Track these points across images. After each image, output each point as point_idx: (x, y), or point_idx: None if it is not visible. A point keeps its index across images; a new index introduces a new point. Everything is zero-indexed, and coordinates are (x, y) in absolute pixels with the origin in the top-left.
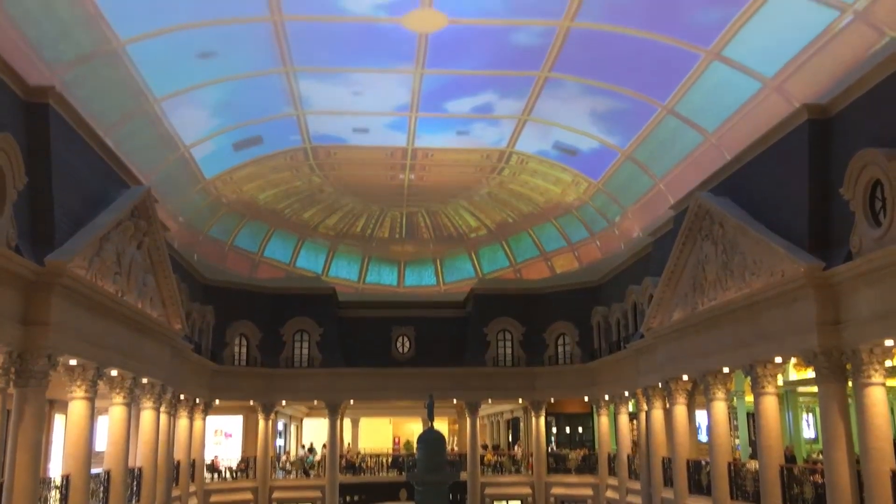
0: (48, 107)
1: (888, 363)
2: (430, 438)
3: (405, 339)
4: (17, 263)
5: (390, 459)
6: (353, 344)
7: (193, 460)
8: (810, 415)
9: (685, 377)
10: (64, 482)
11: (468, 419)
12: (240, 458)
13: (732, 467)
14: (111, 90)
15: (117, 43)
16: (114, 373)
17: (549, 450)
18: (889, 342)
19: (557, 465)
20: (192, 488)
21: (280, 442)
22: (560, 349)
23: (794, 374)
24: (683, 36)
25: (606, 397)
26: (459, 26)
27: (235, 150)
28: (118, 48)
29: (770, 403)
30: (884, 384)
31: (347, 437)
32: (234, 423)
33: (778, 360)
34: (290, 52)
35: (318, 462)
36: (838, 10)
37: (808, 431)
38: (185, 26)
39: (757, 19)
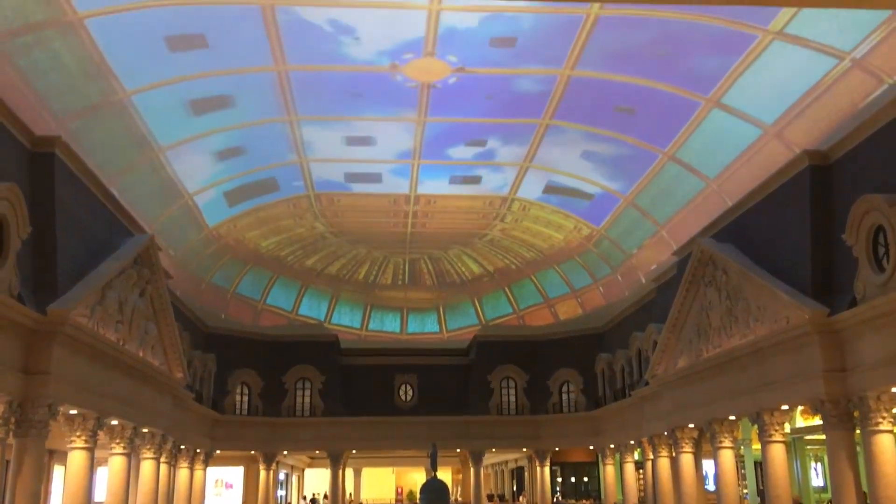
0: (54, 156)
1: None
2: (434, 488)
3: (408, 386)
4: (19, 312)
5: None
6: (355, 392)
7: None
8: (819, 463)
9: (691, 425)
10: None
11: (472, 468)
12: None
13: None
14: (116, 139)
15: (123, 93)
16: (114, 422)
17: (555, 499)
18: None
19: None
20: None
21: (281, 493)
22: (564, 397)
23: (802, 422)
24: (683, 84)
25: (612, 446)
26: (461, 74)
27: (238, 197)
28: (124, 98)
29: (778, 451)
30: (892, 431)
31: (350, 488)
32: (234, 474)
33: (785, 407)
34: (294, 100)
35: None
36: (836, 58)
37: (817, 480)
38: (189, 77)
39: (755, 67)
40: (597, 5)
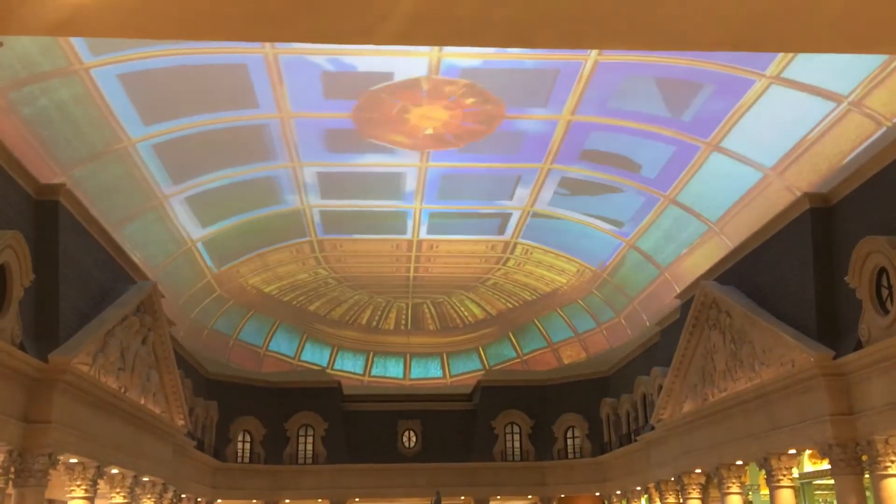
0: (58, 204)
1: None
2: None
3: (411, 433)
4: (21, 360)
5: None
6: (358, 438)
7: None
8: None
9: (698, 470)
10: None
11: None
12: None
13: None
14: (120, 186)
15: (128, 141)
16: (114, 471)
17: None
18: None
19: None
20: None
21: None
22: (569, 442)
23: (810, 466)
24: (682, 128)
25: (618, 492)
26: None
27: (240, 243)
28: (128, 146)
29: (786, 497)
30: None
31: None
32: None
33: (792, 451)
34: (298, 147)
35: None
36: (834, 102)
37: None
38: (193, 125)
39: (754, 111)
40: (595, 52)
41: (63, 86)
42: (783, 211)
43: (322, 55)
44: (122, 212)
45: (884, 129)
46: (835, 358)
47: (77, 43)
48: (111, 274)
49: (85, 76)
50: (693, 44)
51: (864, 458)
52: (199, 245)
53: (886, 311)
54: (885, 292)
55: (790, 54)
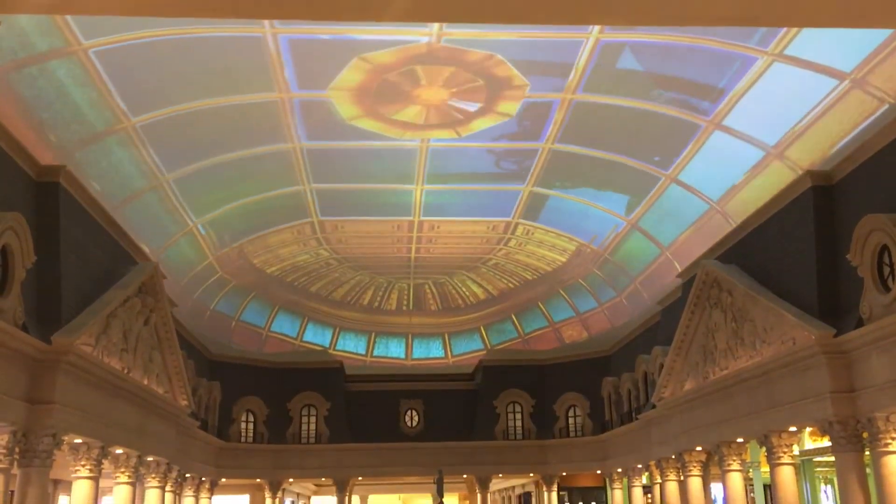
0: (58, 185)
1: None
2: None
3: (413, 412)
4: (24, 342)
5: None
6: (360, 418)
7: None
8: (829, 485)
9: (699, 448)
10: None
11: (479, 494)
12: None
13: None
14: (121, 168)
15: (128, 122)
16: (119, 451)
17: None
18: None
19: None
20: None
21: None
22: (571, 421)
23: (811, 443)
24: (685, 107)
25: (619, 470)
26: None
27: (242, 225)
28: (129, 128)
29: (787, 474)
30: None
31: None
32: (240, 502)
33: (793, 429)
34: (297, 126)
35: None
36: (836, 79)
37: (827, 502)
38: (195, 106)
39: (757, 89)
40: (597, 30)
41: (62, 67)
42: (785, 189)
43: (325, 34)
44: (123, 193)
45: (886, 106)
46: (836, 336)
47: (75, 23)
48: (113, 255)
49: (83, 57)
50: (696, 19)
51: (865, 435)
52: (200, 226)
53: (888, 289)
54: (886, 270)
55: (793, 31)
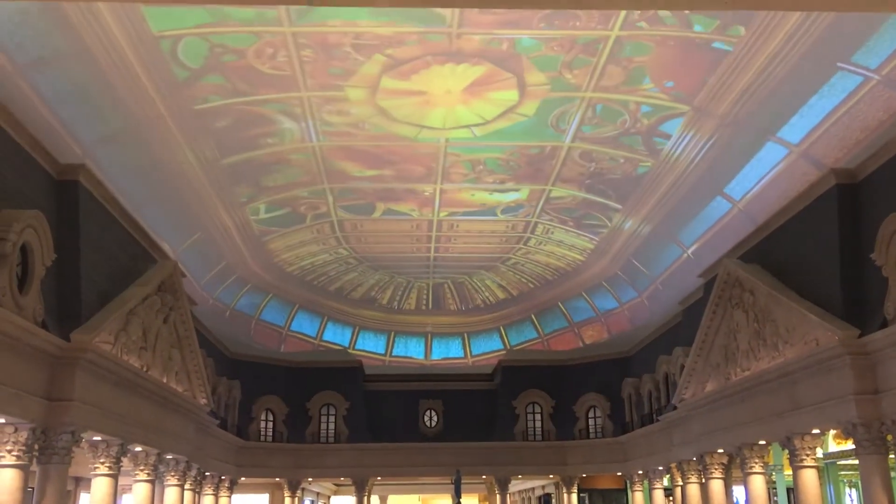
0: (78, 184)
1: None
2: None
3: (433, 412)
4: (43, 339)
5: None
6: (380, 418)
7: None
8: (853, 489)
9: (721, 450)
10: None
11: (498, 495)
12: None
13: None
14: (141, 166)
15: (148, 121)
16: (138, 449)
17: None
18: None
19: None
20: None
21: None
22: (591, 422)
23: (835, 446)
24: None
25: (640, 472)
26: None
27: (262, 224)
28: (149, 125)
29: (810, 477)
30: None
31: None
32: (259, 501)
33: (816, 431)
34: (318, 127)
35: None
36: (861, 76)
37: None
38: (211, 104)
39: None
40: (617, 27)
41: (81, 65)
42: (808, 187)
43: (343, 30)
44: (143, 191)
45: None
46: (860, 336)
47: (96, 20)
48: (132, 253)
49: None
50: (710, 1)
51: (889, 437)
52: (221, 225)
53: None
54: None
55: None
